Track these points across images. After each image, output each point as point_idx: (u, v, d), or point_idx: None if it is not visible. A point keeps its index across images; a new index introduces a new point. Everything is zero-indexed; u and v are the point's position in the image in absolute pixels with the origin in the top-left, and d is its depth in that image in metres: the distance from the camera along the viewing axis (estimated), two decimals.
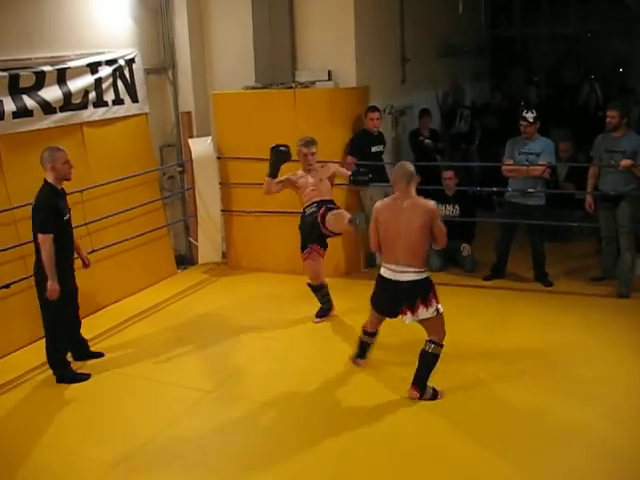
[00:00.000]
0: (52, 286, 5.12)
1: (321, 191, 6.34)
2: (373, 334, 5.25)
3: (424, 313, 4.75)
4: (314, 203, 6.27)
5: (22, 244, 6.00)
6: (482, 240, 7.93)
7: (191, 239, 8.54)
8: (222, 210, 8.21)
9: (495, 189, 7.87)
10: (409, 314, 4.76)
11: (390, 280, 4.81)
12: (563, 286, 7.21)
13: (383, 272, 4.87)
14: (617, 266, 7.05)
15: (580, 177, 7.59)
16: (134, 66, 7.59)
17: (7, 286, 5.89)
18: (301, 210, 6.41)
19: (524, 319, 6.39)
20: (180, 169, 8.46)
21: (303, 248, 6.34)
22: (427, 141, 8.71)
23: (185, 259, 8.62)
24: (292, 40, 7.80)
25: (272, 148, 6.35)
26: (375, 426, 4.63)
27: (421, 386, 4.88)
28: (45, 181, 5.31)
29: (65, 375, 5.46)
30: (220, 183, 8.14)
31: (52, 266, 5.11)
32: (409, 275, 4.76)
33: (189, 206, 8.42)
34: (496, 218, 8.01)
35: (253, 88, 7.90)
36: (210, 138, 8.11)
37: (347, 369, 5.43)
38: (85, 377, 5.47)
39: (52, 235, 5.12)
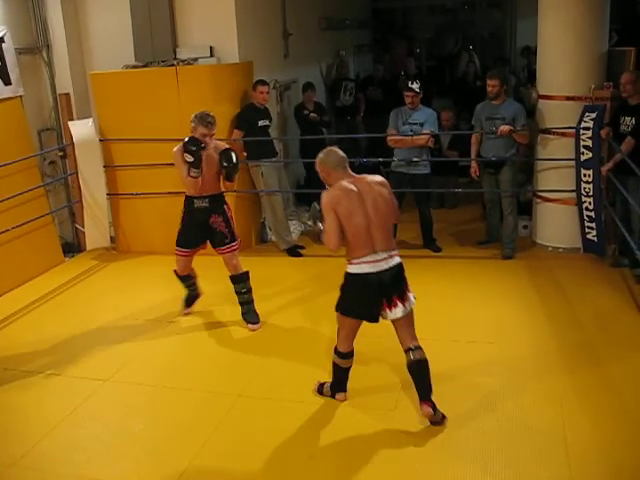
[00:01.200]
0: None
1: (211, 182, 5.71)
2: (351, 354, 4.46)
3: (411, 299, 4.25)
4: (204, 197, 5.69)
5: None
6: None
7: (77, 225, 8.27)
8: (108, 194, 7.97)
9: (381, 159, 8.01)
10: (399, 305, 4.17)
11: (372, 274, 4.13)
12: (451, 251, 7.46)
13: (359, 269, 4.15)
14: (501, 229, 7.35)
15: (462, 145, 7.83)
16: (4, 45, 7.17)
17: None
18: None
19: (414, 284, 6.54)
20: (61, 154, 8.14)
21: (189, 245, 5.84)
22: (312, 115, 8.74)
23: (72, 247, 8.34)
24: (172, 16, 7.63)
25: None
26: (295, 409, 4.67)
27: (431, 398, 4.24)
28: None
29: None
30: (104, 166, 7.88)
31: None
32: (393, 260, 4.21)
33: (73, 191, 8.14)
34: None
35: (133, 67, 7.67)
36: (91, 120, 7.83)
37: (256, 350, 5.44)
38: None
39: None
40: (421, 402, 4.22)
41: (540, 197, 7.40)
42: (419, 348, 4.25)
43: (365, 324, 4.32)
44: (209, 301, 6.26)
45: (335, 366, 4.54)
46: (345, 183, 4.22)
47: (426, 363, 4.24)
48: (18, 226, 7.03)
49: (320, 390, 4.68)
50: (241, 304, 5.90)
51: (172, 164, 7.54)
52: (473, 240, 7.69)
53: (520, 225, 7.61)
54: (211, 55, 7.59)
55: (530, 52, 11.49)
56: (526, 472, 3.77)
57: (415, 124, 7.24)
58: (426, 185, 7.38)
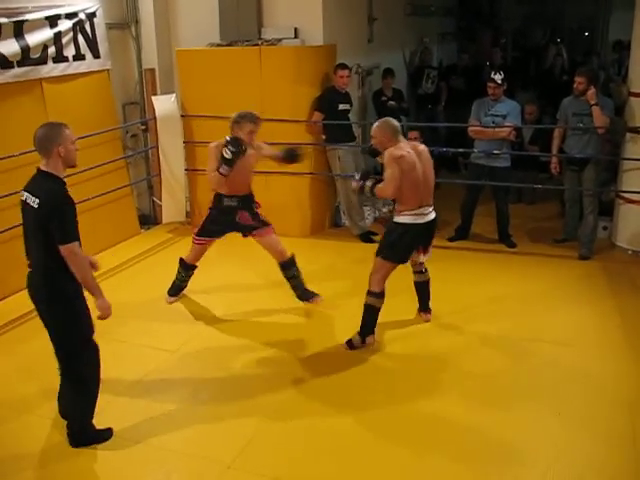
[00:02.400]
0: (103, 303, 3.88)
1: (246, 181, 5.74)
2: (384, 294, 5.08)
3: (430, 249, 5.21)
4: (234, 197, 5.69)
5: None
6: (447, 201, 7.93)
7: (155, 198, 8.43)
8: (186, 169, 8.09)
9: (461, 150, 7.89)
10: (429, 251, 5.21)
11: (419, 224, 4.94)
12: (526, 247, 7.31)
13: (410, 220, 4.93)
14: (579, 228, 7.15)
15: (545, 140, 7.64)
16: (95, 20, 7.35)
17: None
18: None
19: (488, 280, 6.46)
20: (143, 127, 8.30)
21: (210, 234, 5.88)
22: (390, 102, 8.65)
23: (149, 219, 8.52)
24: None
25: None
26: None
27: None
28: (44, 172, 3.80)
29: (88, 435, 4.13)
30: (184, 142, 8.01)
31: (93, 279, 3.87)
32: (433, 214, 5.06)
33: (153, 165, 8.30)
34: (461, 179, 8.03)
35: (218, 45, 7.75)
36: (174, 96, 7.96)
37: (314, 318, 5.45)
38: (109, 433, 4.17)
39: (78, 242, 3.84)
40: (425, 311, 5.55)
41: (623, 198, 7.14)
42: (426, 270, 5.46)
43: None
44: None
45: (369, 308, 5.06)
46: (401, 146, 4.89)
47: (429, 282, 5.49)
48: (100, 195, 7.22)
49: (350, 345, 5.12)
50: (294, 288, 5.90)
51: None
52: (550, 238, 7.50)
53: (600, 226, 7.37)
54: (295, 37, 7.58)
55: (622, 47, 11.11)
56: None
57: (497, 116, 7.10)
58: (505, 179, 7.22)
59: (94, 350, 4.01)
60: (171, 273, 6.73)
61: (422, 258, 5.19)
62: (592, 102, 6.61)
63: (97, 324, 3.95)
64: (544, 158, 8.08)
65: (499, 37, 14.09)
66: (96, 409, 4.07)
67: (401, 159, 4.79)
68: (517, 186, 8.03)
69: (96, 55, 7.42)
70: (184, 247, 7.50)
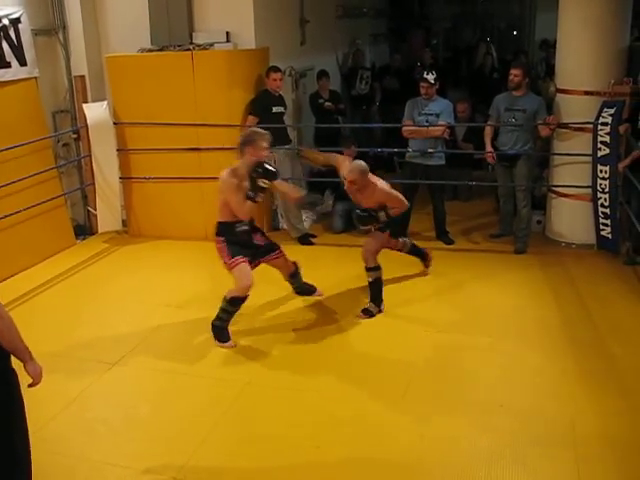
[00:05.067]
0: (36, 367, 3.15)
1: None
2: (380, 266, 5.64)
3: None
4: (243, 222, 5.39)
5: None
6: None
7: (90, 208, 8.26)
8: (120, 177, 7.95)
9: (396, 150, 7.96)
10: None
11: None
12: (463, 244, 7.42)
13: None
14: (514, 223, 7.29)
15: (478, 137, 7.76)
16: (20, 26, 7.12)
17: None
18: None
19: (425, 277, 6.53)
20: (75, 136, 8.12)
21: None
22: (327, 104, 8.69)
23: (84, 229, 8.34)
24: (189, 1, 7.58)
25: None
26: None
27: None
28: None
29: None
30: (117, 149, 7.87)
31: (21, 338, 3.09)
32: None
33: (86, 174, 8.12)
34: (397, 179, 8.10)
35: (149, 51, 7.65)
36: (106, 103, 7.80)
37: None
38: None
39: None
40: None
41: (555, 192, 7.33)
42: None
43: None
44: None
45: (376, 280, 5.61)
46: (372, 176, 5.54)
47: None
48: (31, 207, 7.01)
49: (368, 312, 5.62)
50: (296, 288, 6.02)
51: (187, 149, 7.59)
52: (486, 233, 7.64)
53: (534, 220, 7.54)
54: (227, 40, 7.54)
55: (548, 45, 11.38)
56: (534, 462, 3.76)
57: (431, 115, 7.19)
58: (440, 177, 7.32)
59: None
60: (109, 282, 6.64)
61: None
62: None
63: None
64: (478, 155, 8.23)
65: (430, 37, 14.27)
66: None
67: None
68: (452, 184, 8.15)
69: (22, 62, 7.20)
70: (121, 256, 7.49)
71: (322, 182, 8.07)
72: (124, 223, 8.15)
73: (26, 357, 3.10)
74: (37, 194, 7.17)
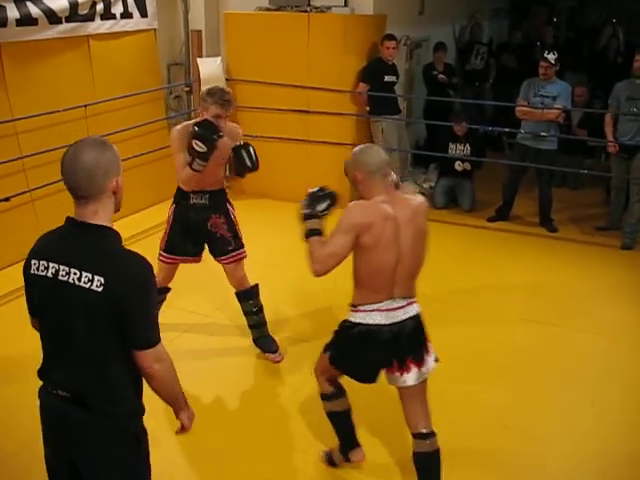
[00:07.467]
0: (191, 413, 2.55)
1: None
2: (340, 393, 3.41)
3: (430, 362, 3.15)
4: (205, 193, 4.48)
5: (24, 157, 5.90)
6: (489, 181, 7.82)
7: None
8: None
9: (507, 130, 7.73)
10: (413, 370, 3.08)
11: (385, 327, 3.05)
12: (567, 233, 7.15)
13: (368, 319, 3.07)
14: (624, 217, 6.98)
15: (593, 124, 7.43)
16: None
17: (7, 199, 5.73)
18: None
19: (525, 263, 6.35)
20: (187, 89, 8.25)
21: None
22: (441, 76, 8.52)
23: None
24: None
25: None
26: None
27: None
28: (96, 227, 2.40)
29: None
30: None
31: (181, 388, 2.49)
32: (412, 308, 3.13)
33: None
34: (505, 159, 7.88)
35: (267, 9, 7.66)
36: (219, 58, 7.90)
37: None
38: None
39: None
40: None
41: None
42: (432, 435, 3.13)
43: None
44: None
45: (331, 415, 3.43)
46: (382, 204, 3.03)
47: (438, 455, 3.14)
48: (141, 154, 7.16)
49: (330, 460, 3.59)
50: (251, 327, 4.70)
51: (296, 110, 7.59)
52: (592, 225, 7.33)
53: None
54: (345, 5, 7.46)
55: None
56: None
57: (547, 97, 6.92)
58: (551, 162, 7.05)
59: None
60: None
61: (399, 381, 3.11)
62: None
63: None
64: (592, 143, 7.89)
65: (553, 15, 13.71)
66: None
67: (364, 230, 2.98)
68: (562, 170, 7.86)
69: (143, 14, 7.38)
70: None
71: (428, 156, 7.93)
72: (227, 179, 8.24)
73: (182, 405, 2.51)
74: (148, 143, 7.34)
